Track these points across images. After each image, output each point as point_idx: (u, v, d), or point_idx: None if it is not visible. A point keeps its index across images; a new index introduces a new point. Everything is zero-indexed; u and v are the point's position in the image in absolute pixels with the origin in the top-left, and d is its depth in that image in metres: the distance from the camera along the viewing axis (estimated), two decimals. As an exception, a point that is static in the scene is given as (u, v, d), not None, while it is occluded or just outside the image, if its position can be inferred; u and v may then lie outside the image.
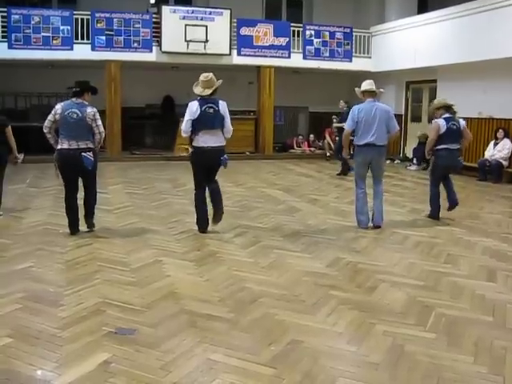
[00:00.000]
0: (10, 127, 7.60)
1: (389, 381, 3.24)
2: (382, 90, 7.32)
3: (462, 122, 7.64)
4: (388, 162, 15.52)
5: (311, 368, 3.38)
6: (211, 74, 6.53)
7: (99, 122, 6.44)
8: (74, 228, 6.61)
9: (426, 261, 5.80)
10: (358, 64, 16.56)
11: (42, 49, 14.06)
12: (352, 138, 7.29)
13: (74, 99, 6.42)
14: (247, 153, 16.25)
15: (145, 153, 15.50)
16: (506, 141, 12.09)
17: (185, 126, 6.47)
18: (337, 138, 12.75)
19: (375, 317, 4.21)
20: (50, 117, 6.38)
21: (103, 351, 3.54)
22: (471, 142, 13.35)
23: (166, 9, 14.75)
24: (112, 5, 14.95)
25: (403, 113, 16.38)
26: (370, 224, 7.15)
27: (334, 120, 13.63)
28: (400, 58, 15.04)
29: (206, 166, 6.67)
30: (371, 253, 6.14)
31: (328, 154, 16.24)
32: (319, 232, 6.96)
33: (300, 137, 17.59)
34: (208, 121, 6.42)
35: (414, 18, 15.09)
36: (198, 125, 6.42)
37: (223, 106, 6.55)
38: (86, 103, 6.44)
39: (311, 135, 17.69)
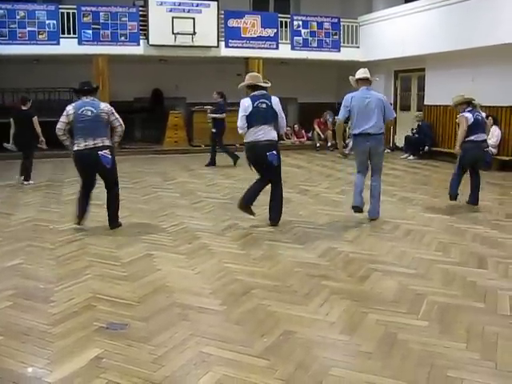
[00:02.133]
0: (35, 117, 9.81)
1: (382, 369, 3.24)
2: (377, 78, 7.29)
3: (483, 114, 7.82)
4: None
5: (304, 358, 3.37)
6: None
7: (117, 115, 6.48)
8: (80, 218, 6.61)
9: (417, 249, 5.81)
10: (346, 54, 16.52)
11: (27, 44, 13.90)
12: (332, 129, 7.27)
13: (84, 98, 6.41)
14: (237, 145, 16.17)
15: (134, 147, 15.42)
16: (495, 128, 12.10)
17: (240, 122, 6.51)
18: (215, 130, 12.39)
19: (367, 306, 4.21)
20: (62, 118, 6.35)
21: (95, 346, 3.52)
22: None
23: (152, 1, 14.59)
24: (98, -2, 14.84)
25: (392, 101, 16.35)
26: (366, 214, 7.10)
27: (208, 111, 12.96)
28: (388, 47, 15.03)
29: (257, 162, 6.66)
30: (363, 242, 6.14)
31: (318, 145, 16.26)
32: (310, 222, 6.95)
33: (289, 128, 17.56)
34: (260, 116, 6.46)
35: (402, 6, 15.09)
36: (250, 120, 6.46)
37: (276, 100, 6.58)
38: (97, 100, 6.48)
39: (295, 125, 17.64)
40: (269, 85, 6.76)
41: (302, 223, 6.91)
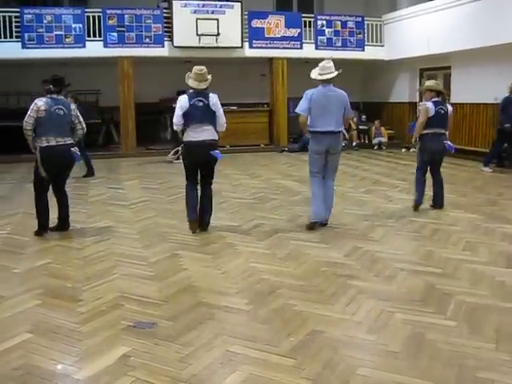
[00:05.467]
0: None
1: (409, 369, 3.21)
2: (339, 70, 6.71)
3: (450, 108, 7.49)
4: (403, 150, 15.48)
5: (331, 358, 3.37)
6: (204, 67, 6.42)
7: (81, 118, 6.52)
8: (41, 229, 6.50)
9: (444, 248, 5.75)
10: (370, 53, 16.43)
11: (55, 47, 14.08)
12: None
13: (54, 96, 6.30)
14: (262, 145, 16.23)
15: (159, 147, 15.50)
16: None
17: (176, 119, 6.32)
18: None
19: (394, 305, 4.18)
20: (32, 113, 6.16)
21: (122, 345, 3.56)
22: (487, 128, 13.31)
23: (176, 3, 14.69)
24: (123, 1, 14.96)
25: (417, 100, 16.22)
26: (393, 212, 6.94)
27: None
28: (413, 45, 14.89)
29: (195, 162, 6.44)
30: (389, 242, 6.10)
31: (343, 144, 16.14)
32: (336, 222, 6.91)
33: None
34: (197, 115, 6.25)
35: (426, 4, 14.91)
36: (187, 119, 6.26)
37: (214, 100, 6.33)
38: (66, 100, 6.49)
39: None
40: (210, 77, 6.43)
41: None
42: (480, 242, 5.97)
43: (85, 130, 6.59)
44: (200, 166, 6.46)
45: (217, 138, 6.43)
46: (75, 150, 6.41)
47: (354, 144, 16.35)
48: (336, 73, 6.55)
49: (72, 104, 6.57)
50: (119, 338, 3.67)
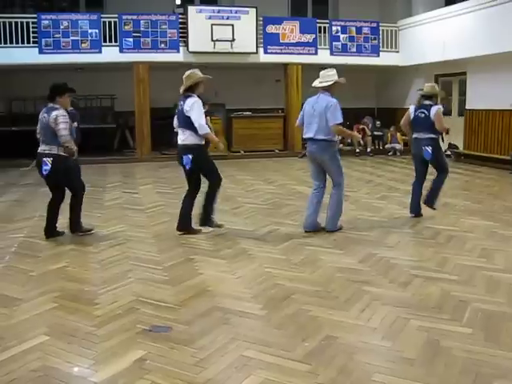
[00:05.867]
0: None
1: (425, 376, 3.20)
2: (340, 79, 6.57)
3: (433, 111, 7.16)
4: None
5: (346, 364, 3.36)
6: (194, 70, 6.47)
7: (60, 126, 6.12)
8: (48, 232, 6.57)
9: (459, 255, 5.71)
10: (385, 59, 16.40)
11: (71, 52, 14.24)
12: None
13: (49, 102, 6.31)
14: (276, 150, 16.24)
15: (174, 152, 15.54)
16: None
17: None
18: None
19: (409, 312, 4.17)
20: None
21: (138, 348, 3.58)
22: (503, 135, 13.23)
23: (192, 9, 14.80)
24: (138, 7, 15.08)
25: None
26: (405, 220, 6.95)
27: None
28: (428, 51, 14.84)
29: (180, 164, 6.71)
30: (404, 248, 6.08)
31: (357, 150, 16.15)
32: (351, 228, 6.90)
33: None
34: (178, 118, 6.52)
35: (442, 10, 14.87)
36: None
37: (189, 103, 6.28)
38: (57, 106, 6.24)
39: None
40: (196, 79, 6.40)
41: (342, 229, 6.87)
42: (496, 249, 5.93)
43: (63, 137, 6.13)
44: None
45: (191, 143, 6.44)
46: (46, 160, 6.20)
47: (369, 150, 16.32)
48: (330, 82, 6.51)
49: (60, 110, 6.21)
50: (135, 341, 3.69)
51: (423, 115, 7.24)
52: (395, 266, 5.35)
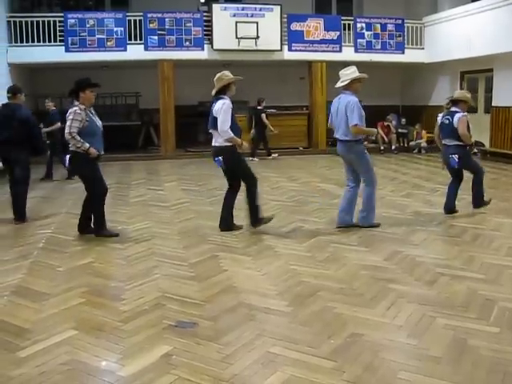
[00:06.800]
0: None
1: (452, 375, 3.18)
2: (362, 75, 6.59)
3: (456, 118, 7.10)
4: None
5: (372, 361, 3.36)
6: (224, 71, 6.52)
7: (67, 123, 6.14)
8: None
9: (486, 254, 5.65)
10: (410, 56, 16.27)
11: (97, 51, 14.40)
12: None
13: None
14: (300, 148, 16.23)
15: (199, 150, 15.64)
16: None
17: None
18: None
19: (435, 310, 4.14)
20: None
21: (164, 344, 3.61)
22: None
23: (216, 7, 14.85)
24: (163, 5, 15.18)
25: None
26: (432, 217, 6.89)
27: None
28: (454, 47, 14.68)
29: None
30: (429, 246, 6.04)
31: (382, 148, 16.06)
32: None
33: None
34: (209, 121, 6.46)
35: (468, 6, 14.69)
36: None
37: (218, 106, 6.27)
38: (76, 103, 6.24)
39: None
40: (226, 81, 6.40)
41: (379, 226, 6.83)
42: (524, 247, 5.87)
43: (67, 135, 6.13)
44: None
45: (220, 144, 6.39)
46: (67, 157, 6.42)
47: (393, 148, 16.21)
48: (347, 81, 6.51)
49: (75, 107, 6.20)
50: (161, 336, 3.73)
51: (447, 121, 7.25)
52: (421, 264, 5.31)
